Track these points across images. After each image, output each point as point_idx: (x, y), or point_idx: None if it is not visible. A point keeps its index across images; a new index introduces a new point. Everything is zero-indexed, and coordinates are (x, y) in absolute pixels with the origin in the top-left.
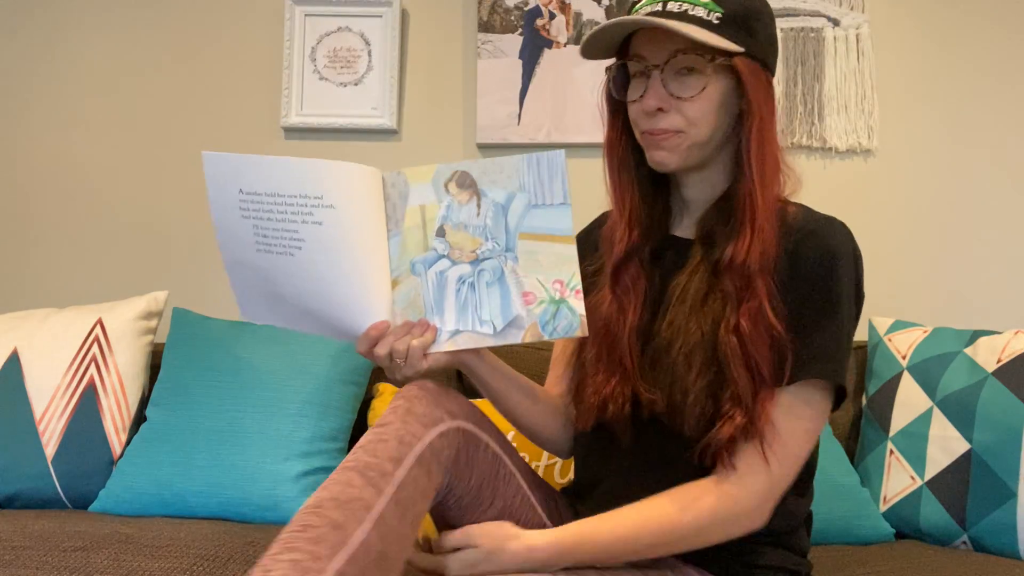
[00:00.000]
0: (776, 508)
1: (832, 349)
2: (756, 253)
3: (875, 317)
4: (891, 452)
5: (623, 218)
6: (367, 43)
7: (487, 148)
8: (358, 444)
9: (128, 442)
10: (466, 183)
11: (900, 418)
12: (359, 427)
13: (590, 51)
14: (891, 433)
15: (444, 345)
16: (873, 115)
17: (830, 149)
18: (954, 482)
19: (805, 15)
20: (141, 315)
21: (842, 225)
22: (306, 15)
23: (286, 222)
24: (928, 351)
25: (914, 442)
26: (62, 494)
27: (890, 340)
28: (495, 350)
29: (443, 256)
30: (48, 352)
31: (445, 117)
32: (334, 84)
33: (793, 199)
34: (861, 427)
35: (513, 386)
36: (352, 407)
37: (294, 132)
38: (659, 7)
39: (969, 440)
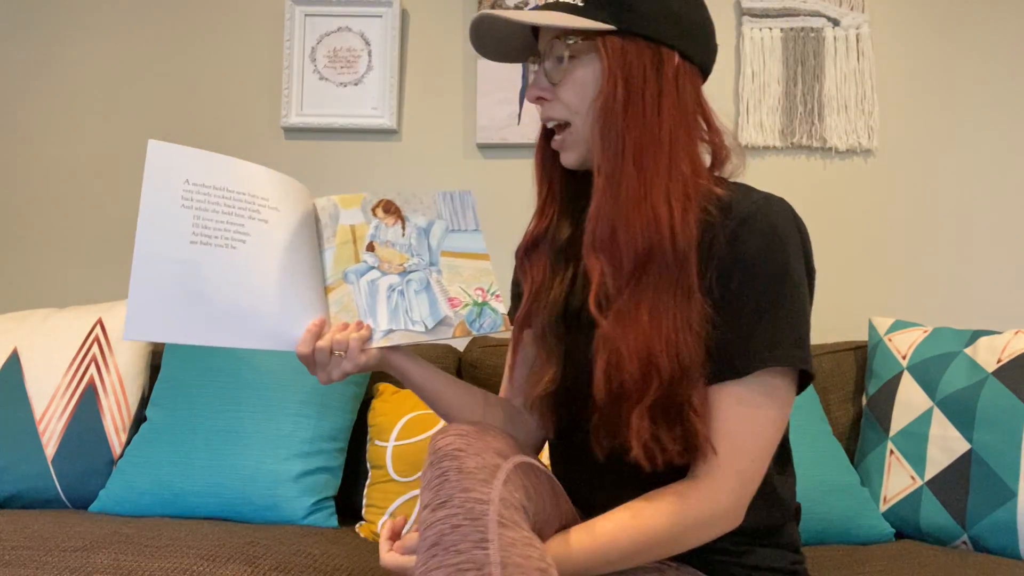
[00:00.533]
0: (764, 498)
1: (787, 333)
2: (606, 235)
3: (875, 317)
4: (891, 452)
5: (536, 209)
6: (367, 43)
7: (487, 148)
8: (430, 541)
9: (128, 442)
10: (391, 209)
11: (900, 418)
12: (359, 427)
13: (494, 56)
14: (891, 433)
15: (380, 341)
16: (873, 115)
17: (830, 149)
18: (954, 482)
19: (805, 15)
20: None
21: (781, 201)
22: (306, 15)
23: (233, 215)
24: (928, 351)
25: (914, 442)
26: (62, 494)
27: (890, 340)
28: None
29: (373, 267)
30: (48, 352)
31: (445, 117)
32: (334, 84)
33: (767, 187)
34: (861, 427)
35: (451, 386)
36: (352, 407)
37: (294, 132)
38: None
39: (969, 440)
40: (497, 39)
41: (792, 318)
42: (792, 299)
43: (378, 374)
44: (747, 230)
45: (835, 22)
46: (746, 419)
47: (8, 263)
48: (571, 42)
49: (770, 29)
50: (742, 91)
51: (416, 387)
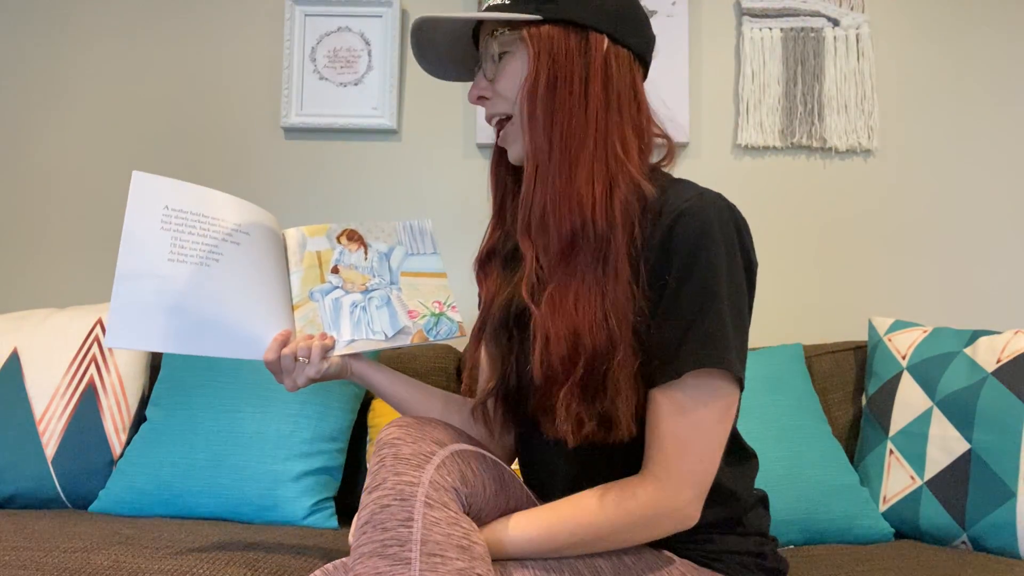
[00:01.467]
0: (711, 493)
1: (720, 336)
2: (536, 219)
3: (875, 317)
4: (891, 452)
5: (491, 221)
6: (367, 43)
7: (487, 148)
8: (363, 519)
9: (128, 442)
10: (355, 237)
11: (900, 418)
12: (359, 427)
13: (440, 72)
14: (891, 433)
15: (342, 349)
16: (873, 115)
17: (830, 149)
18: (954, 482)
19: (805, 15)
20: None
21: (717, 197)
22: (306, 15)
23: (207, 237)
24: (928, 351)
25: (914, 442)
26: (62, 494)
27: (890, 340)
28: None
29: (337, 287)
30: (48, 352)
31: (445, 117)
32: (334, 84)
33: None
34: (861, 427)
35: (413, 389)
36: (352, 407)
37: (294, 132)
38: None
39: (969, 440)
40: (439, 53)
41: (725, 320)
42: (728, 300)
43: None
44: (680, 230)
45: (835, 22)
46: (690, 420)
47: (8, 263)
48: (499, 34)
49: (770, 29)
50: (742, 91)
51: (379, 392)
